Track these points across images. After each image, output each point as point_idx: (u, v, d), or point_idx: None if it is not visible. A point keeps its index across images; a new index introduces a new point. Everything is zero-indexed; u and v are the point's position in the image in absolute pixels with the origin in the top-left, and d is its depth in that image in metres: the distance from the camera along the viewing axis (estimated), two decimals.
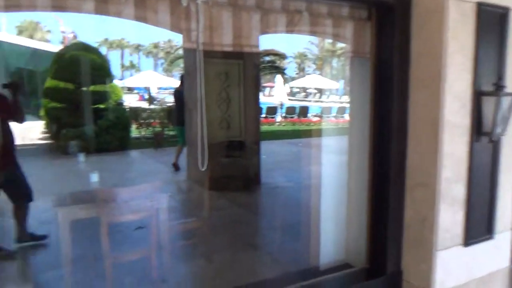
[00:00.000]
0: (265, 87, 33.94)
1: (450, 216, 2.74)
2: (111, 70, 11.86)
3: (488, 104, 2.80)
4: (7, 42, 14.19)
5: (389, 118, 2.85)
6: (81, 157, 7.78)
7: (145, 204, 2.94)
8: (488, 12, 2.81)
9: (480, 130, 2.83)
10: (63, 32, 19.50)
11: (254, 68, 6.84)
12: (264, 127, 15.17)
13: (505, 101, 2.79)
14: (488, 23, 2.81)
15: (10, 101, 3.89)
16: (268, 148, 7.91)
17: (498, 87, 2.82)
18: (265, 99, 23.18)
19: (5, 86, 3.99)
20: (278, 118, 17.38)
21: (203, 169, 2.28)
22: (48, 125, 11.13)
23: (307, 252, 3.30)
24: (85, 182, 5.61)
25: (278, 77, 19.81)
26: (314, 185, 3.64)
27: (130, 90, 27.97)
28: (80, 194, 3.83)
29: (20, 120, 3.99)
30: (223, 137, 6.21)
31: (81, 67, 9.81)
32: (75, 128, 9.15)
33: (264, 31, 3.41)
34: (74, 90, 9.93)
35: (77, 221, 2.85)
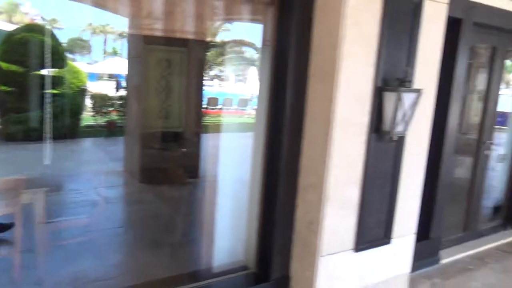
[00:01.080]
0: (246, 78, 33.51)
1: (339, 220, 2.54)
2: (65, 54, 11.38)
3: (389, 100, 2.60)
4: None
5: (283, 113, 2.62)
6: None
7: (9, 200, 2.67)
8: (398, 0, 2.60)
9: (380, 129, 2.63)
10: (26, 13, 18.72)
11: (199, 57, 6.55)
12: (230, 119, 14.86)
13: (407, 98, 2.59)
14: (398, 12, 2.60)
15: None
16: (218, 141, 7.61)
17: (401, 83, 2.62)
18: (239, 91, 22.78)
19: None
20: (249, 110, 17.12)
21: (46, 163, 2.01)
22: None
23: (205, 252, 3.08)
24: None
25: (251, 69, 19.50)
26: (230, 181, 3.41)
27: (110, 76, 27.21)
28: None
29: None
30: (161, 127, 5.93)
31: (31, 49, 9.35)
32: (19, 113, 8.71)
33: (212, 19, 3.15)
34: (22, 73, 9.46)
35: None
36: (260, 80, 3.03)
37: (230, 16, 3.37)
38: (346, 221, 2.57)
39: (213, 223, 3.05)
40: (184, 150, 5.79)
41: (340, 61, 2.41)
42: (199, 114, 6.38)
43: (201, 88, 6.51)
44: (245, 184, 2.96)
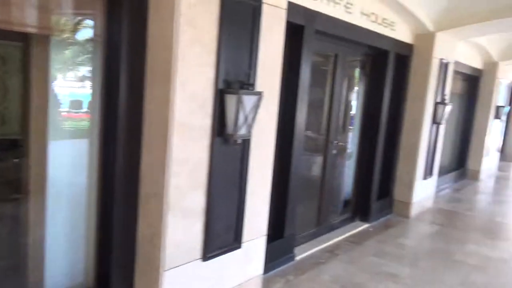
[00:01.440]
0: None
1: (184, 229, 2.40)
2: None
3: (230, 103, 2.55)
4: None
5: (117, 116, 2.38)
6: None
7: None
8: (236, 1, 2.55)
9: (223, 132, 2.57)
10: None
11: (48, 54, 5.81)
12: (86, 123, 13.74)
13: (248, 101, 2.57)
14: (237, 13, 2.55)
15: None
16: (60, 149, 6.81)
17: (243, 85, 2.60)
18: None
19: None
20: None
21: None
22: None
23: (36, 277, 2.65)
24: None
25: None
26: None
27: None
28: None
29: None
30: None
31: None
32: None
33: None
34: None
35: None
36: (93, 79, 2.74)
37: (55, 7, 2.98)
38: (192, 230, 2.44)
39: (43, 243, 2.64)
40: (16, 160, 5.03)
41: (176, 62, 2.27)
42: (47, 118, 5.63)
43: (50, 90, 5.77)
44: (81, 197, 2.63)
